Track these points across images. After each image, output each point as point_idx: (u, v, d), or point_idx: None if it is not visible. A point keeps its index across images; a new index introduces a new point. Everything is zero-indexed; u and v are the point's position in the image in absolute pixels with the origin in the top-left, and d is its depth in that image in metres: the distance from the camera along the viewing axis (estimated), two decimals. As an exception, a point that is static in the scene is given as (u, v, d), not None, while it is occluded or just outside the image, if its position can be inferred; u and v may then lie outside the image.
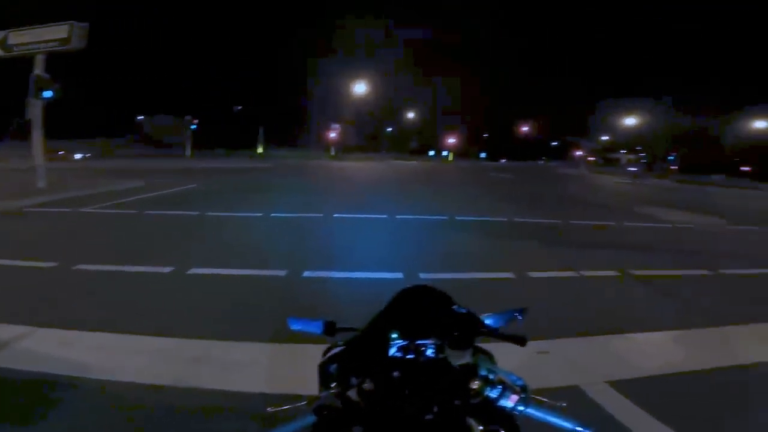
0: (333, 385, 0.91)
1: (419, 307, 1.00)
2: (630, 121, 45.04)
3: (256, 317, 3.83)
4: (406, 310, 1.00)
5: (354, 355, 0.96)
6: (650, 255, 7.20)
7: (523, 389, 0.90)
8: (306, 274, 5.18)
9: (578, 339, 3.61)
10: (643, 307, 4.65)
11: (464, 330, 0.94)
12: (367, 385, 0.88)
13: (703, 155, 45.65)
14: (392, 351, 0.92)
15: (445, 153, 66.39)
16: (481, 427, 0.84)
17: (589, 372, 3.03)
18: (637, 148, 54.59)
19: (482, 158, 74.47)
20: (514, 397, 0.87)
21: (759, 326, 3.99)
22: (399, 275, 5.23)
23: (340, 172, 24.33)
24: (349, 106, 41.55)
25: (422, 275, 5.27)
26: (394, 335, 0.92)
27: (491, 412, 0.88)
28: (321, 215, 9.46)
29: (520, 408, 0.86)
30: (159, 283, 4.81)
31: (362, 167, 29.80)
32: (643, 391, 2.74)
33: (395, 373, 0.89)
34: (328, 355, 1.01)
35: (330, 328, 1.07)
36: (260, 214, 9.44)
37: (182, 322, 3.71)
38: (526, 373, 2.86)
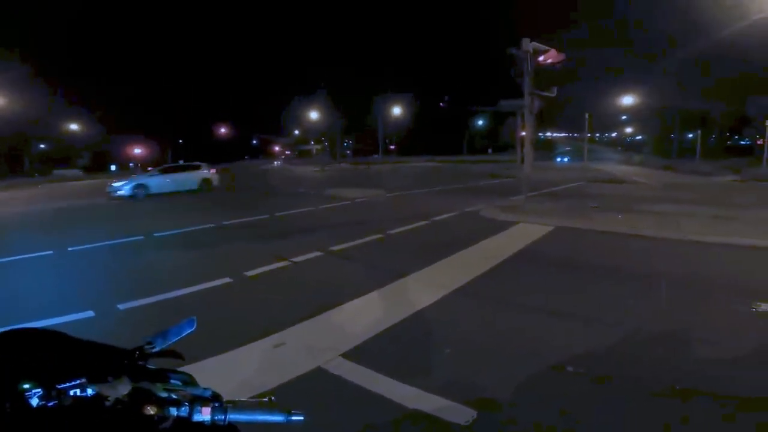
0: None
1: (41, 350, 0.86)
2: (314, 115, 51.59)
3: None
4: (21, 355, 0.84)
5: None
6: (341, 230, 8.66)
7: (215, 397, 0.87)
8: None
9: (306, 323, 3.94)
10: (344, 277, 5.59)
11: (106, 360, 0.86)
12: None
13: (365, 140, 58.43)
14: (34, 402, 0.76)
15: (131, 165, 56.78)
16: None
17: (324, 350, 3.35)
18: (322, 139, 63.63)
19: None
20: (206, 410, 0.83)
21: (418, 274, 5.44)
22: (89, 314, 4.16)
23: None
24: None
25: (121, 306, 4.39)
26: (27, 385, 0.76)
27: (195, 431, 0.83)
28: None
29: (219, 417, 0.83)
30: None
31: (2, 198, 21.62)
32: (367, 353, 3.29)
33: (42, 426, 0.74)
34: None
35: None
36: None
37: None
38: (268, 371, 2.95)
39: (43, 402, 0.77)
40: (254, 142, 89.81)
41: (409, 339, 3.65)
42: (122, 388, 0.82)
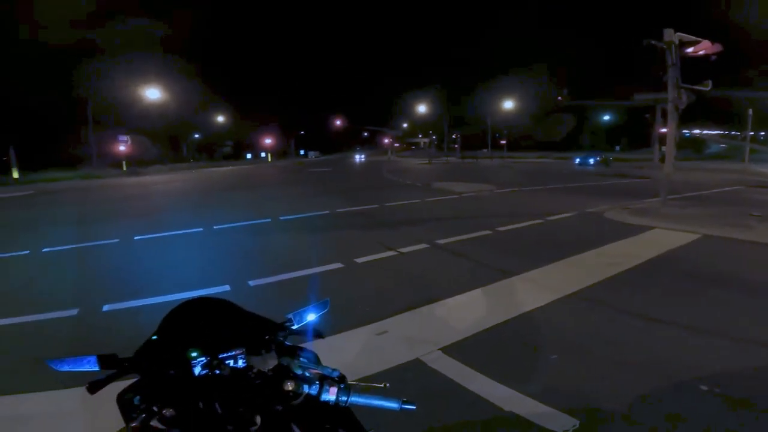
0: (135, 416, 0.83)
1: (210, 320, 0.96)
2: (422, 108, 52.36)
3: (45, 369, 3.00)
4: (196, 325, 0.94)
5: (155, 381, 0.87)
6: (448, 224, 8.59)
7: (341, 379, 0.92)
8: (106, 308, 4.28)
9: (409, 313, 4.02)
10: (450, 271, 5.53)
11: (261, 334, 0.93)
12: (168, 412, 0.81)
13: (474, 134, 56.79)
14: (197, 370, 0.87)
15: (263, 154, 64.28)
16: None
17: (424, 343, 3.38)
18: (430, 132, 64.10)
19: (302, 155, 75.33)
20: (333, 390, 0.88)
21: (528, 274, 5.15)
22: (226, 288, 4.84)
23: (137, 188, 20.86)
24: (141, 115, 35.92)
25: (251, 282, 5.00)
26: (194, 353, 0.87)
27: (319, 411, 0.88)
28: (116, 239, 7.91)
29: (343, 399, 0.87)
30: None
31: (166, 180, 26.21)
32: (467, 350, 3.23)
33: (202, 392, 0.83)
34: (126, 386, 0.89)
35: (109, 362, 0.90)
36: (26, 252, 7.31)
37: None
38: (370, 357, 3.05)
39: (205, 371, 0.87)
40: (365, 134, 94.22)
41: (512, 341, 3.47)
42: (270, 362, 0.90)
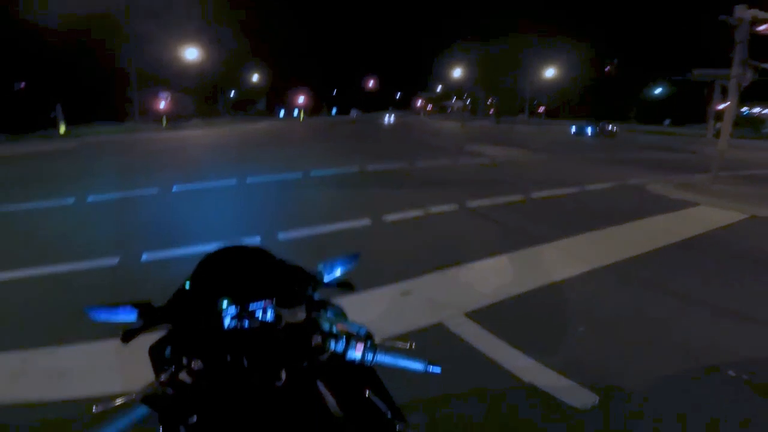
0: (166, 368, 0.82)
1: (242, 269, 0.93)
2: (457, 72, 50.53)
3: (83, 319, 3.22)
4: (227, 273, 0.92)
5: (185, 332, 0.87)
6: (480, 187, 8.40)
7: (368, 337, 0.89)
8: (145, 257, 4.52)
9: (434, 274, 4.00)
10: (479, 235, 5.45)
11: (292, 286, 0.91)
12: (196, 365, 0.80)
13: (510, 100, 54.29)
14: (227, 322, 0.85)
15: (295, 112, 64.38)
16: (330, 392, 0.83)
17: (448, 307, 3.35)
18: (464, 95, 61.87)
19: (333, 114, 74.89)
20: (360, 347, 0.86)
21: (560, 243, 5.02)
22: (256, 239, 4.99)
23: (175, 142, 21.41)
24: (180, 73, 37.00)
25: (281, 235, 5.13)
26: (224, 303, 0.85)
27: (344, 368, 0.86)
28: (155, 190, 8.23)
29: (368, 357, 0.85)
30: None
31: (203, 135, 26.74)
32: (492, 317, 3.19)
33: (230, 345, 0.82)
34: (159, 337, 0.89)
35: (143, 310, 0.89)
36: (72, 201, 7.75)
37: None
38: (393, 318, 3.05)
39: (234, 322, 0.85)
40: (397, 95, 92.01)
41: (539, 310, 3.41)
42: (299, 315, 0.88)
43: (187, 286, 0.91)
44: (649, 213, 6.55)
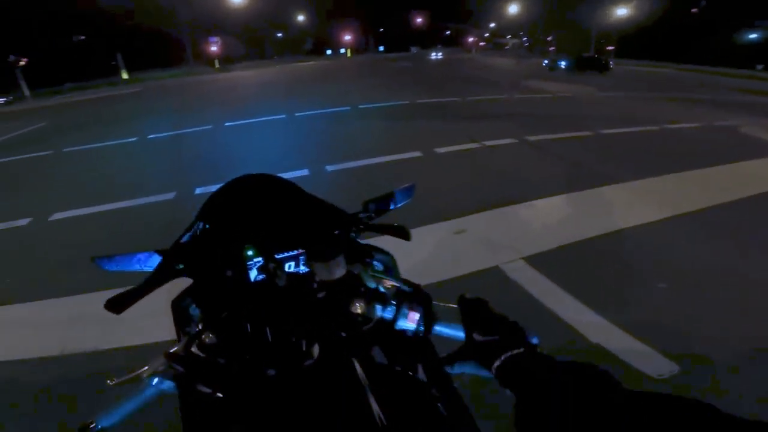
0: (188, 330, 0.69)
1: (267, 208, 0.74)
2: (512, 9, 47.31)
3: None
4: (249, 213, 0.72)
5: (208, 288, 0.69)
6: (540, 121, 7.69)
7: (424, 299, 0.68)
8: (198, 191, 4.59)
9: (490, 212, 3.68)
10: (539, 171, 4.98)
11: (329, 230, 0.71)
12: (209, 339, 0.63)
13: (572, 38, 49.03)
14: (253, 274, 0.68)
15: (342, 50, 62.71)
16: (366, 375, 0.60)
17: (505, 249, 3.04)
18: (520, 33, 57.43)
19: (381, 51, 72.39)
20: (413, 316, 0.64)
21: (634, 184, 4.46)
22: (305, 172, 4.90)
23: (227, 82, 21.58)
24: (229, 17, 37.23)
25: (329, 168, 5.00)
26: (250, 252, 0.68)
27: (391, 340, 0.65)
28: (209, 126, 8.33)
29: (422, 328, 0.64)
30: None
31: (253, 75, 26.73)
32: (554, 264, 2.82)
33: (258, 307, 0.66)
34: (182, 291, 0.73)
35: (162, 258, 0.71)
36: (135, 139, 8.05)
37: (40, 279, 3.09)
38: (445, 259, 2.62)
39: (260, 276, 0.69)
40: (447, 32, 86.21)
41: (608, 259, 2.99)
42: (337, 271, 0.67)
43: (201, 226, 0.72)
44: (743, 157, 5.68)
